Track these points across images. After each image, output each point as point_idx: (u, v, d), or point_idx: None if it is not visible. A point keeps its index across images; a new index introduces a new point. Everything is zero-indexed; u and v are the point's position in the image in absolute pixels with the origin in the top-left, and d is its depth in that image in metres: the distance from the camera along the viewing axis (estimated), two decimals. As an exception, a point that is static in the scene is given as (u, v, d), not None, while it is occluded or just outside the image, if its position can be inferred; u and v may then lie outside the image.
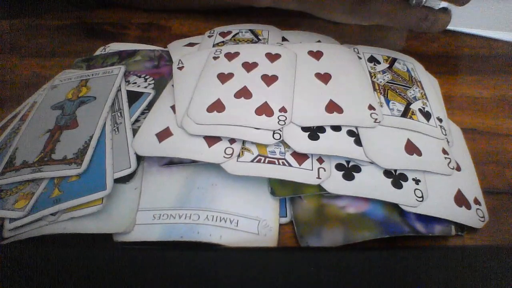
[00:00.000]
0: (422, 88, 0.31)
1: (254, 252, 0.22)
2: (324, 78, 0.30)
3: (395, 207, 0.24)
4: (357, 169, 0.25)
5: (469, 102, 0.33)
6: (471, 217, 0.24)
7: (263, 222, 0.24)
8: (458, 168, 0.27)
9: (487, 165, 0.28)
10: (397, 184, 0.25)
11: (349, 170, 0.25)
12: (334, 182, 0.24)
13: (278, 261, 0.21)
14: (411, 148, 0.26)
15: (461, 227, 0.24)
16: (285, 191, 0.25)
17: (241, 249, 0.23)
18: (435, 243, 0.24)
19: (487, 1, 0.37)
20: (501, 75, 0.36)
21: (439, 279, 0.20)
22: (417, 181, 0.25)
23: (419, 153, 0.26)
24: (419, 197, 0.24)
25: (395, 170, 0.25)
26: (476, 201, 0.25)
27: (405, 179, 0.25)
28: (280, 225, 0.24)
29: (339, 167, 0.25)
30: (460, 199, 0.25)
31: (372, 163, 0.25)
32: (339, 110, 0.27)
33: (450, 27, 0.31)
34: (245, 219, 0.24)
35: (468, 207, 0.25)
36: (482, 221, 0.24)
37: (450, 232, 0.24)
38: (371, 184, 0.25)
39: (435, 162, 0.26)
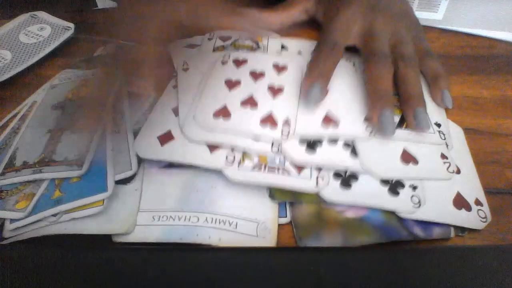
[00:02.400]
0: None
1: (253, 252, 0.22)
2: None
3: (393, 212, 0.24)
4: (354, 177, 0.25)
5: (469, 102, 0.33)
6: (472, 219, 0.24)
7: (262, 224, 0.24)
8: (458, 171, 0.27)
9: (487, 165, 0.28)
10: (393, 192, 0.25)
11: (346, 178, 0.25)
12: (332, 191, 0.25)
13: (277, 261, 0.21)
14: (407, 158, 0.26)
15: (461, 228, 0.24)
16: (284, 196, 0.25)
17: (240, 249, 0.23)
18: (435, 243, 0.24)
19: (487, 1, 0.37)
20: (501, 75, 0.36)
21: (439, 279, 0.20)
22: (414, 188, 0.25)
23: (416, 162, 0.26)
24: (416, 204, 0.24)
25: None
26: (478, 202, 0.25)
27: (402, 186, 0.25)
28: (280, 225, 0.24)
29: (336, 175, 0.25)
30: (460, 202, 0.25)
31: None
32: (335, 123, 0.27)
33: (450, 27, 0.31)
34: (244, 222, 0.24)
35: (468, 209, 0.25)
36: (484, 222, 0.24)
37: (449, 234, 0.24)
38: (368, 192, 0.25)
39: (433, 168, 0.26)
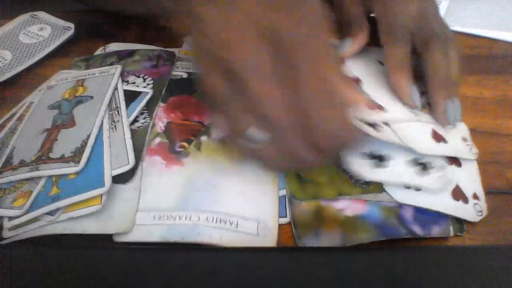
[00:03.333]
0: None
1: (254, 252, 0.22)
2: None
3: (392, 210, 0.24)
4: (382, 159, 0.26)
5: (469, 102, 0.33)
6: (468, 212, 0.25)
7: (262, 223, 0.24)
8: (459, 164, 0.27)
9: (487, 165, 0.28)
10: (422, 173, 0.25)
11: (376, 158, 0.26)
12: (362, 167, 0.25)
13: (277, 261, 0.21)
14: (438, 137, 0.27)
15: (460, 227, 0.24)
16: (305, 195, 0.25)
17: (240, 249, 0.23)
18: (435, 243, 0.24)
19: (487, 1, 0.37)
20: (501, 75, 0.36)
21: (439, 279, 0.20)
22: (441, 168, 0.26)
23: (445, 141, 0.27)
24: (445, 182, 0.25)
25: (418, 160, 0.26)
26: (475, 196, 0.26)
27: (429, 167, 0.26)
28: (280, 225, 0.24)
29: (365, 156, 0.26)
30: (457, 194, 0.25)
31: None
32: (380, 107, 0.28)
33: (450, 27, 0.31)
34: (245, 221, 0.24)
35: (465, 201, 0.25)
36: (480, 216, 0.25)
37: (449, 233, 0.24)
38: (397, 174, 0.25)
39: (459, 148, 0.27)
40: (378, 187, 0.25)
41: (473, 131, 0.31)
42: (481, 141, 0.30)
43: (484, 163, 0.28)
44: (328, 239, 0.23)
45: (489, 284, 0.20)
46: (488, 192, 0.26)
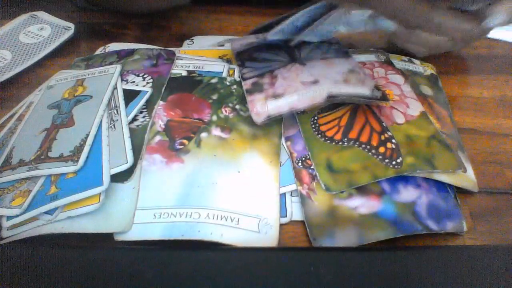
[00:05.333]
0: None
1: (253, 252, 0.22)
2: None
3: (406, 205, 0.24)
4: None
5: (469, 102, 0.33)
6: None
7: (263, 220, 0.24)
8: None
9: (487, 165, 0.28)
10: None
11: None
12: None
13: (277, 261, 0.21)
14: None
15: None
16: (339, 185, 0.25)
17: (241, 249, 0.23)
18: (435, 243, 0.24)
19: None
20: (501, 75, 0.36)
21: (439, 279, 0.20)
22: None
23: None
24: None
25: None
26: None
27: None
28: (280, 225, 0.24)
29: None
30: None
31: None
32: None
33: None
34: (246, 218, 0.24)
35: None
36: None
37: (462, 228, 0.24)
38: None
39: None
40: (412, 164, 0.25)
41: (473, 131, 0.31)
42: (481, 141, 0.30)
43: (484, 163, 0.28)
44: (345, 238, 0.23)
45: (489, 284, 0.20)
46: (488, 192, 0.26)
